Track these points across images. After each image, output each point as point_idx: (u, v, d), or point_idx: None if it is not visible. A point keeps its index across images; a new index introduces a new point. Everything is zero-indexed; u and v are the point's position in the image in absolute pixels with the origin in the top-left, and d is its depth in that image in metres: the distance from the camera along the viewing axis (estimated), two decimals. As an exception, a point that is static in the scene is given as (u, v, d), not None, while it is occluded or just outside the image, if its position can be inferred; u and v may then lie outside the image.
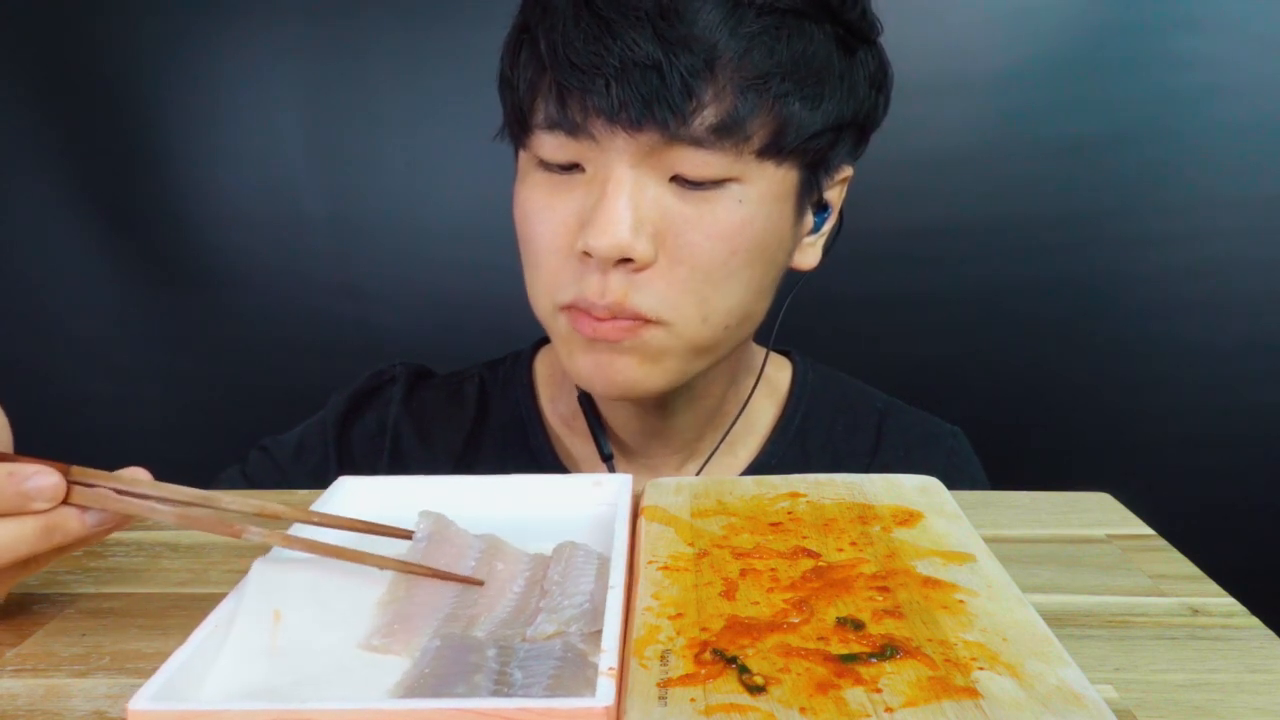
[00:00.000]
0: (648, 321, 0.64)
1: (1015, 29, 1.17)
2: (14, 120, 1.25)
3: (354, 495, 0.57)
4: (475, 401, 0.83)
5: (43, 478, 0.43)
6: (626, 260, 0.62)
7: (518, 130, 0.67)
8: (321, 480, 0.79)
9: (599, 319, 0.64)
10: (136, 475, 0.46)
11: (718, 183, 0.63)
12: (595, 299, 0.63)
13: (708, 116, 0.60)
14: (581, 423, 0.78)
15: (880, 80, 0.69)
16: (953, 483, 0.58)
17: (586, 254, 0.62)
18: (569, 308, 0.66)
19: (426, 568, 0.46)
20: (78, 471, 0.44)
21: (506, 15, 0.68)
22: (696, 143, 0.61)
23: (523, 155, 0.69)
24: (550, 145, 0.64)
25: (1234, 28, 1.16)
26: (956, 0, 1.18)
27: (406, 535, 0.50)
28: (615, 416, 0.77)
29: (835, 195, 0.72)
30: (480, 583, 0.46)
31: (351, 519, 0.50)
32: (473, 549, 0.49)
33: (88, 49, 1.24)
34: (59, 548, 0.45)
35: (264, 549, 0.48)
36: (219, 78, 1.25)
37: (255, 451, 0.83)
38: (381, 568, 0.46)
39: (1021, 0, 1.17)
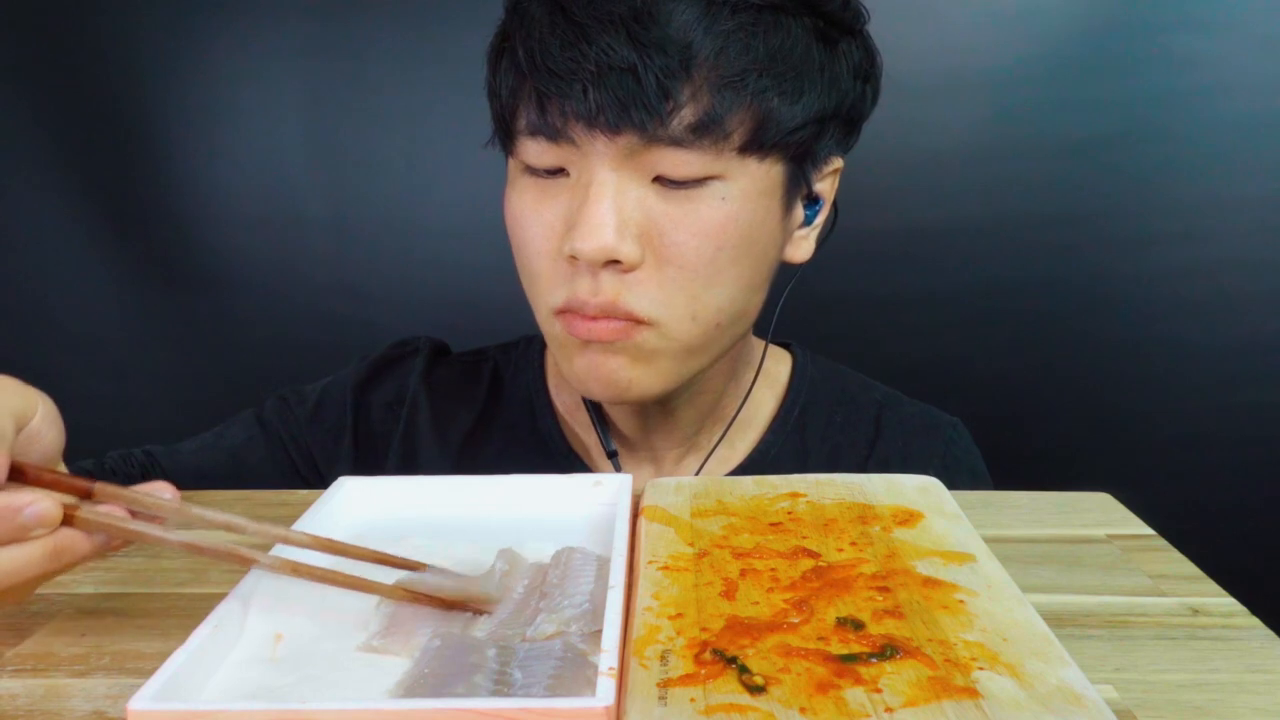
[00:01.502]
0: (639, 322, 0.65)
1: (1015, 29, 1.17)
2: (14, 120, 1.25)
3: (355, 496, 0.57)
4: (488, 383, 0.83)
5: (38, 506, 0.42)
6: (614, 262, 0.63)
7: (503, 137, 0.68)
8: (337, 441, 0.79)
9: (591, 318, 0.65)
10: (161, 495, 0.45)
11: (700, 181, 0.63)
12: (587, 298, 0.64)
13: (685, 116, 0.61)
14: (585, 414, 0.78)
15: (867, 71, 0.69)
16: (952, 473, 0.58)
17: (574, 257, 0.63)
18: (563, 311, 0.66)
19: (434, 597, 0.45)
20: (100, 489, 0.44)
21: (498, 24, 0.69)
22: (676, 143, 0.61)
23: (511, 162, 0.69)
24: (534, 151, 0.65)
25: (1234, 27, 1.16)
26: (956, 0, 1.18)
27: (417, 567, 0.48)
28: (617, 412, 0.77)
29: (826, 187, 0.72)
30: (488, 611, 0.45)
31: (367, 550, 0.48)
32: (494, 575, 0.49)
33: (88, 49, 1.24)
34: (71, 565, 0.45)
35: (266, 548, 0.48)
36: (219, 78, 1.25)
37: (274, 399, 0.83)
38: (390, 598, 0.46)
39: (1021, 0, 1.17)
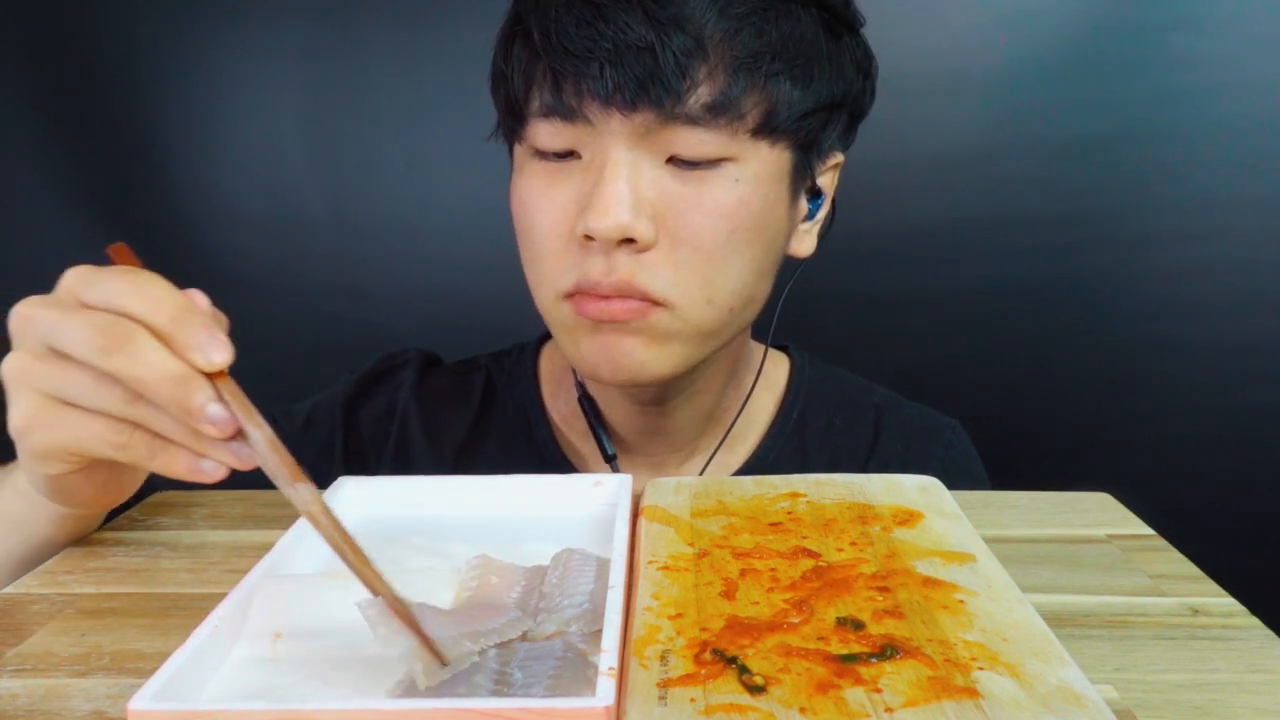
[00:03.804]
0: (655, 304, 0.64)
1: (1016, 29, 1.17)
2: (14, 120, 1.25)
3: (355, 496, 0.57)
4: (481, 392, 0.83)
5: (219, 408, 0.42)
6: (628, 241, 0.63)
7: (512, 122, 0.68)
8: (327, 458, 0.79)
9: (605, 297, 0.64)
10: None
11: (714, 162, 0.63)
12: (600, 278, 0.63)
13: (702, 95, 0.61)
14: (581, 422, 0.78)
15: (866, 67, 0.71)
16: (951, 476, 0.58)
17: (588, 237, 0.63)
18: (572, 294, 0.65)
19: (408, 613, 0.41)
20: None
21: (504, 16, 0.69)
22: (692, 121, 0.62)
23: (518, 149, 0.69)
24: (546, 133, 0.64)
25: (1235, 27, 1.16)
26: (957, 0, 1.18)
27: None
28: (615, 415, 0.77)
29: (828, 182, 0.73)
30: (446, 661, 0.40)
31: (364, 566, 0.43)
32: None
33: (88, 49, 1.24)
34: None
35: (266, 547, 0.48)
36: (219, 78, 1.25)
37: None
38: (374, 591, 0.42)
39: (1022, 0, 1.17)
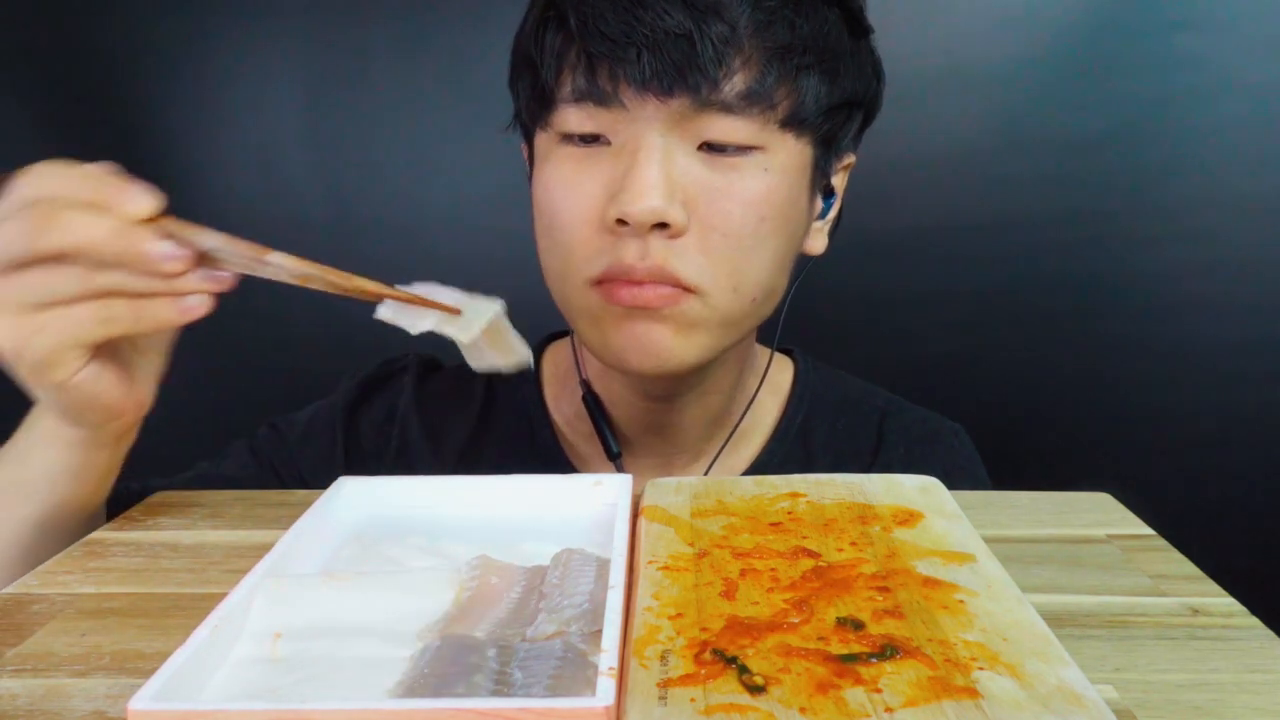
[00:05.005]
0: (686, 290, 0.65)
1: (1017, 28, 1.18)
2: (14, 121, 1.25)
3: (354, 496, 0.57)
4: (482, 396, 0.83)
5: (167, 244, 0.44)
6: (660, 227, 0.63)
7: (538, 110, 0.68)
8: (329, 464, 0.79)
9: (638, 283, 0.64)
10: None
11: (744, 150, 0.64)
12: (635, 262, 0.63)
13: (737, 83, 0.62)
14: (586, 424, 0.78)
15: (879, 71, 0.72)
16: (954, 481, 0.58)
17: (620, 222, 0.63)
18: (602, 281, 0.65)
19: (419, 297, 0.47)
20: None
21: (506, 16, 0.69)
22: (726, 108, 0.62)
23: (541, 138, 0.69)
24: (576, 117, 0.65)
25: (1234, 28, 1.16)
26: (960, 0, 1.18)
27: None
28: (621, 413, 0.77)
29: (839, 181, 0.74)
30: (456, 310, 0.46)
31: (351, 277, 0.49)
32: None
33: (88, 49, 1.24)
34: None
35: (266, 547, 0.48)
36: (219, 78, 1.25)
37: (265, 428, 0.83)
38: (381, 297, 0.48)
39: (1023, 0, 1.17)
